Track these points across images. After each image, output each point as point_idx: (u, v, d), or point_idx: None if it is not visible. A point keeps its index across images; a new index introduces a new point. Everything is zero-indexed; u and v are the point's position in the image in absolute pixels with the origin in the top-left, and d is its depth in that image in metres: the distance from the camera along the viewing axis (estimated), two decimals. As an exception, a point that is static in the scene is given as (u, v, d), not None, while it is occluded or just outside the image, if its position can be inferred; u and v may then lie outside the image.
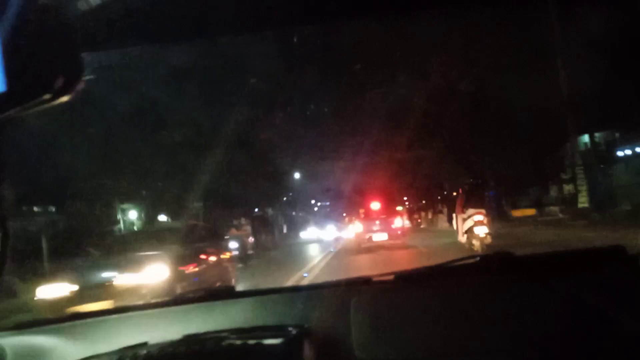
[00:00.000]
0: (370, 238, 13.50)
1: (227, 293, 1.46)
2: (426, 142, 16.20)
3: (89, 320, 1.39)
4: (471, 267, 1.34)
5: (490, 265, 1.29)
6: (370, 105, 15.45)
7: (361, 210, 15.13)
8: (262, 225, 18.39)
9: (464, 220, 8.69)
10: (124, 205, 13.35)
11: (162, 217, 13.84)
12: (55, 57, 0.83)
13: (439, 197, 24.65)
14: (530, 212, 20.84)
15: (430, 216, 27.75)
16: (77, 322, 1.39)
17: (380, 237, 13.45)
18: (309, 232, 26.79)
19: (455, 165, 16.84)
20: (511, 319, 1.09)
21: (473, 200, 8.79)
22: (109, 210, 11.94)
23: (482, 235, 8.29)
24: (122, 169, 10.88)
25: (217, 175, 12.11)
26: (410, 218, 28.51)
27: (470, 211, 8.49)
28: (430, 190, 24.71)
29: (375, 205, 14.65)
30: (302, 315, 1.20)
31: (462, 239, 8.83)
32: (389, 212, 14.36)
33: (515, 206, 21.54)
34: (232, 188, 14.35)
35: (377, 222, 13.77)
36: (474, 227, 8.38)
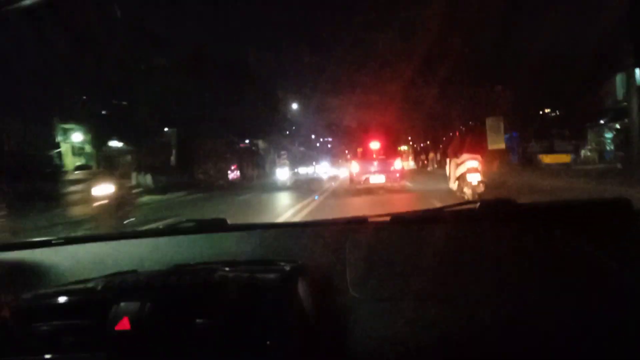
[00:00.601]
0: (366, 180, 13.17)
1: (219, 226, 1.52)
2: (437, 74, 15.12)
3: (79, 244, 1.51)
4: (470, 213, 1.39)
5: (489, 211, 1.36)
6: (378, 37, 14.50)
7: (359, 150, 14.67)
8: (250, 158, 18.22)
9: (457, 165, 8.25)
10: (67, 125, 11.61)
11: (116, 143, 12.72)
12: None
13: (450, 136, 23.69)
14: (564, 158, 19.37)
15: (438, 157, 27.11)
16: (68, 246, 1.49)
17: (377, 179, 13.20)
18: (304, 169, 26.64)
19: (471, 101, 15.76)
20: (507, 266, 1.14)
21: (469, 144, 8.24)
22: (46, 130, 10.56)
23: (474, 183, 7.86)
24: (64, 78, 9.58)
25: (194, 94, 11.59)
26: (416, 159, 27.95)
27: (464, 156, 8.06)
28: (439, 129, 23.66)
29: (375, 145, 14.28)
30: (296, 252, 1.28)
31: (453, 185, 8.51)
32: (389, 153, 13.95)
33: (550, 151, 20.09)
34: (213, 111, 13.53)
35: (375, 163, 13.39)
36: (466, 173, 7.95)
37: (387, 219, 1.42)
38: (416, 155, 29.50)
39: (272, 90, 17.70)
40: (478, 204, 1.39)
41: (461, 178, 8.18)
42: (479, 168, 8.07)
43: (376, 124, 16.26)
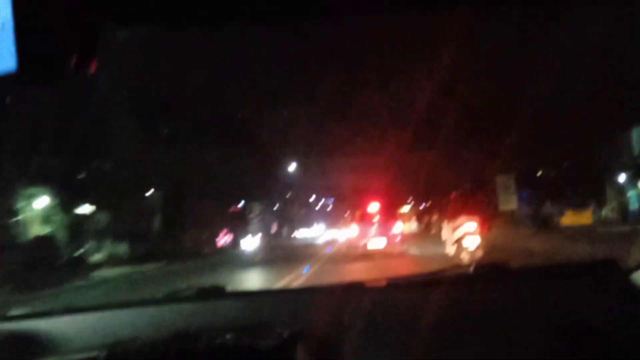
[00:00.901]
0: (365, 245, 12.92)
1: (217, 293, 1.67)
2: (437, 133, 15.16)
3: (81, 314, 1.61)
4: (463, 276, 1.60)
5: (482, 275, 1.55)
6: (377, 100, 15.01)
7: (358, 212, 14.62)
8: (239, 223, 18.03)
9: (454, 229, 7.88)
10: (31, 190, 11.12)
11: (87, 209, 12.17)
12: (68, 37, 1.08)
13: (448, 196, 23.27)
14: (585, 219, 18.52)
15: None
16: (70, 315, 1.61)
17: (376, 244, 12.90)
18: (302, 232, 26.23)
19: (470, 159, 15.60)
20: (500, 328, 1.26)
21: (467, 205, 7.99)
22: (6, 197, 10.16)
23: (471, 248, 7.43)
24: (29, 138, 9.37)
25: (182, 154, 11.50)
26: (420, 220, 27.11)
27: (461, 219, 7.72)
28: (440, 189, 23.31)
29: (373, 208, 14.20)
30: (293, 318, 1.38)
31: (450, 250, 8.05)
32: (388, 215, 13.90)
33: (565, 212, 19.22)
34: (203, 175, 13.44)
35: (374, 226, 13.20)
36: (463, 237, 7.56)
37: (383, 284, 1.60)
38: (419, 216, 29.08)
39: (269, 152, 17.75)
40: (471, 268, 1.57)
41: (458, 242, 7.78)
42: (478, 231, 7.68)
43: (375, 185, 16.40)
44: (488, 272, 1.55)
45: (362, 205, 15.11)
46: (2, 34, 1.13)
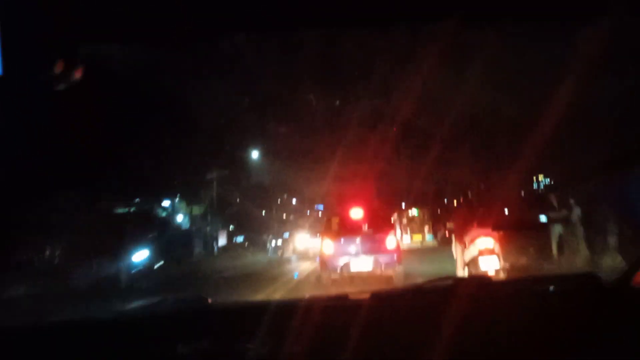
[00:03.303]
0: (346, 266, 12.70)
1: (199, 303, 2.15)
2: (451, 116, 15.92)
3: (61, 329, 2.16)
4: (446, 289, 2.02)
5: (465, 287, 1.97)
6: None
7: (334, 221, 14.34)
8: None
9: (465, 245, 8.21)
10: None
11: None
12: (54, 44, 1.46)
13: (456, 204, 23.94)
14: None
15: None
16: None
17: (362, 265, 12.69)
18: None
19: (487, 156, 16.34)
20: (482, 338, 1.68)
21: (482, 214, 8.32)
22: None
23: (490, 271, 7.78)
24: None
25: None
26: (435, 229, 26.89)
27: (474, 233, 8.03)
28: (453, 192, 23.89)
29: (356, 214, 13.87)
30: (277, 330, 1.75)
31: (463, 273, 8.35)
32: (379, 224, 13.52)
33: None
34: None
35: (358, 240, 12.98)
36: (478, 257, 7.90)
37: (367, 296, 2.01)
38: (435, 223, 27.89)
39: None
40: (452, 281, 2.08)
41: (472, 264, 8.14)
42: (497, 249, 8.03)
43: (362, 188, 16.17)
44: (470, 283, 2.05)
45: (341, 211, 14.52)
46: None
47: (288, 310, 1.95)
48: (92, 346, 1.89)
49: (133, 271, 16.79)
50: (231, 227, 34.69)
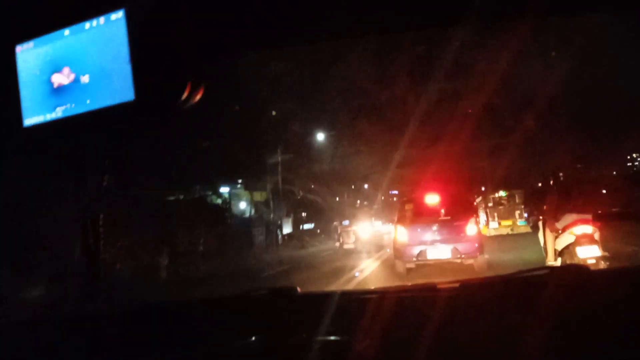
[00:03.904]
0: (422, 254, 12.67)
1: (289, 293, 2.34)
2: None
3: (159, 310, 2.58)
4: (542, 279, 2.03)
5: (561, 277, 2.00)
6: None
7: (407, 207, 14.27)
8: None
9: (558, 232, 7.95)
10: None
11: None
12: (182, 66, 1.69)
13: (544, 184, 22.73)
14: None
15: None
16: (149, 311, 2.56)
17: (439, 253, 12.64)
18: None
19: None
20: (578, 333, 1.64)
21: (578, 197, 7.98)
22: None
23: (590, 259, 7.47)
24: None
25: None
26: (529, 212, 25.47)
27: (568, 218, 7.74)
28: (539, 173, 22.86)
29: (432, 199, 13.73)
30: (361, 320, 1.85)
31: (555, 263, 8.08)
32: (458, 210, 13.35)
33: None
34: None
35: (435, 227, 12.89)
36: (574, 245, 7.64)
37: (457, 285, 2.10)
38: (534, 204, 26.52)
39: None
40: (548, 270, 2.13)
41: (567, 252, 7.88)
42: (597, 237, 7.70)
43: (437, 162, 16.10)
44: (567, 273, 2.10)
45: (416, 197, 14.67)
46: (122, 65, 1.79)
47: (372, 300, 2.12)
48: (202, 324, 2.14)
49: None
50: (303, 214, 35.01)
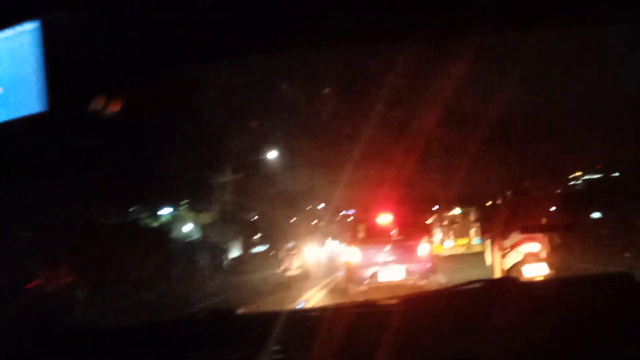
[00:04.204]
0: (373, 277, 12.79)
1: (229, 315, 2.44)
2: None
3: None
4: (476, 291, 2.25)
5: (495, 290, 2.24)
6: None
7: (359, 227, 14.43)
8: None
9: (505, 250, 8.16)
10: None
11: None
12: (96, 78, 1.83)
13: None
14: None
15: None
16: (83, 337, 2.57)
17: (391, 274, 12.79)
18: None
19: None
20: (511, 342, 1.78)
21: (525, 213, 8.23)
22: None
23: (537, 278, 7.71)
24: None
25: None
26: (484, 230, 25.16)
27: (515, 236, 7.95)
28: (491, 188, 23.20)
29: (384, 219, 13.94)
30: (304, 338, 1.97)
31: None
32: (411, 229, 13.60)
33: None
34: None
35: (387, 248, 13.06)
36: (521, 263, 7.86)
37: (396, 301, 2.26)
38: (484, 224, 25.11)
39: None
40: (481, 284, 2.29)
41: (514, 271, 8.10)
42: (544, 255, 7.95)
43: (388, 182, 16.14)
44: (499, 287, 2.30)
45: (368, 217, 14.85)
46: (35, 77, 1.70)
47: (315, 318, 2.25)
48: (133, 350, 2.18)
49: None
50: (257, 236, 34.55)
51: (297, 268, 23.34)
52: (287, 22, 2.36)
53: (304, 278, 20.84)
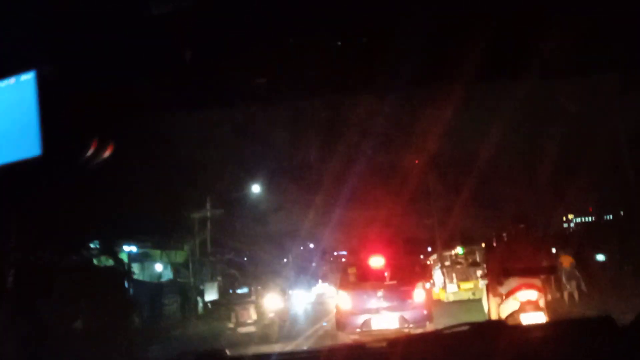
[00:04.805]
0: (365, 325, 12.78)
1: (218, 357, 2.54)
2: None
3: None
4: (464, 335, 2.38)
5: (482, 333, 2.37)
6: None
7: (350, 271, 14.46)
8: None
9: (502, 297, 8.24)
10: None
11: None
12: (88, 124, 2.02)
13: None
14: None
15: None
16: None
17: (385, 322, 12.77)
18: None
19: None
20: None
21: (522, 258, 8.29)
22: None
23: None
24: None
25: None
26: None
27: (512, 282, 8.03)
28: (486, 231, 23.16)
29: (376, 262, 13.97)
30: None
31: None
32: (405, 274, 13.67)
33: None
34: None
35: (380, 293, 13.09)
36: (519, 312, 7.92)
37: (384, 344, 2.39)
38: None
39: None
40: (469, 327, 2.43)
41: (511, 320, 8.09)
42: (542, 303, 8.02)
43: (381, 224, 16.39)
44: (487, 330, 2.49)
45: (359, 260, 14.63)
46: (30, 122, 2.07)
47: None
48: None
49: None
50: (235, 277, 34.09)
51: (250, 323, 19.87)
52: (273, 73, 2.59)
53: (261, 337, 17.82)
